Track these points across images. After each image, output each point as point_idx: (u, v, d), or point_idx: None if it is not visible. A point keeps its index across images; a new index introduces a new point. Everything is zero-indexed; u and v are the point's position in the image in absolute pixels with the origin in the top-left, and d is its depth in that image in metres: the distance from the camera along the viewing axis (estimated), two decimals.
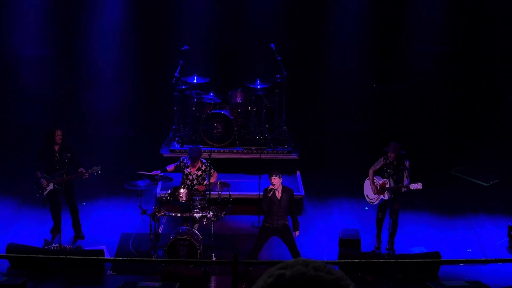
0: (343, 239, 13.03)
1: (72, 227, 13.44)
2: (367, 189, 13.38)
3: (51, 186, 13.06)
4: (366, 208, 13.63)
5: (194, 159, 13.17)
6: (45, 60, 17.01)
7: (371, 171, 13.22)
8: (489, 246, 13.53)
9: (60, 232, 12.83)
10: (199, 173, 13.25)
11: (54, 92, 17.17)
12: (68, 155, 12.98)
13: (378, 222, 13.40)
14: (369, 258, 12.67)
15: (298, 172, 15.58)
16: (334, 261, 12.48)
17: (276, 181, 12.11)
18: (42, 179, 13.05)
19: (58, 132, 13.17)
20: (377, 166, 13.17)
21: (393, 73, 17.53)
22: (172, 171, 13.45)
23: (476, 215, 14.56)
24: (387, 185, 12.98)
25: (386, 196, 13.08)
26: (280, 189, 12.22)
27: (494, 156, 16.59)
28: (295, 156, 15.71)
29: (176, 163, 13.45)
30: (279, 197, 12.18)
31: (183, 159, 13.38)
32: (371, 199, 13.32)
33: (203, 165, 13.26)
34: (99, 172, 13.03)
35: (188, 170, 13.26)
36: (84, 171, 13.02)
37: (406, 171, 12.94)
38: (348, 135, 17.22)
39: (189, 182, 13.22)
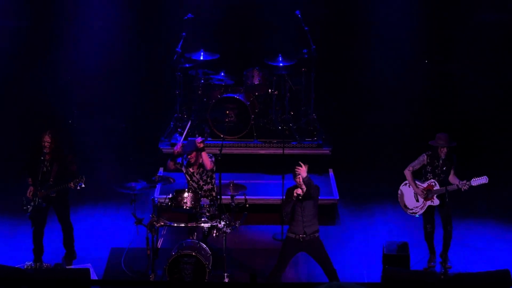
0: (388, 255, 12.31)
1: (63, 245, 12.86)
2: (406, 197, 12.61)
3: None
4: (417, 215, 12.58)
5: (189, 154, 12.50)
6: (20, 31, 16.64)
7: (409, 173, 12.43)
8: None
9: (42, 253, 12.54)
10: (201, 169, 12.58)
11: (29, 75, 16.68)
12: (56, 167, 12.27)
13: (427, 237, 12.62)
14: (421, 278, 11.50)
15: (330, 170, 15.05)
16: (377, 283, 11.87)
17: (302, 171, 11.20)
18: (30, 187, 12.30)
19: (46, 138, 12.16)
20: (417, 166, 12.43)
21: (448, 49, 16.76)
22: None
23: None
24: (435, 187, 12.25)
25: (436, 202, 12.28)
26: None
27: None
28: (327, 151, 15.19)
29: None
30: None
31: (185, 156, 12.82)
32: (412, 209, 12.58)
33: None
34: (83, 186, 12.27)
35: (191, 170, 12.58)
36: (71, 184, 12.35)
37: (453, 168, 12.31)
38: (392, 126, 16.55)
39: (195, 185, 12.46)
